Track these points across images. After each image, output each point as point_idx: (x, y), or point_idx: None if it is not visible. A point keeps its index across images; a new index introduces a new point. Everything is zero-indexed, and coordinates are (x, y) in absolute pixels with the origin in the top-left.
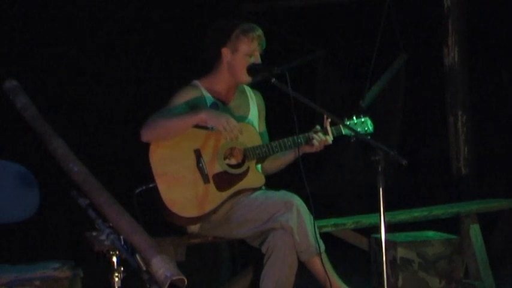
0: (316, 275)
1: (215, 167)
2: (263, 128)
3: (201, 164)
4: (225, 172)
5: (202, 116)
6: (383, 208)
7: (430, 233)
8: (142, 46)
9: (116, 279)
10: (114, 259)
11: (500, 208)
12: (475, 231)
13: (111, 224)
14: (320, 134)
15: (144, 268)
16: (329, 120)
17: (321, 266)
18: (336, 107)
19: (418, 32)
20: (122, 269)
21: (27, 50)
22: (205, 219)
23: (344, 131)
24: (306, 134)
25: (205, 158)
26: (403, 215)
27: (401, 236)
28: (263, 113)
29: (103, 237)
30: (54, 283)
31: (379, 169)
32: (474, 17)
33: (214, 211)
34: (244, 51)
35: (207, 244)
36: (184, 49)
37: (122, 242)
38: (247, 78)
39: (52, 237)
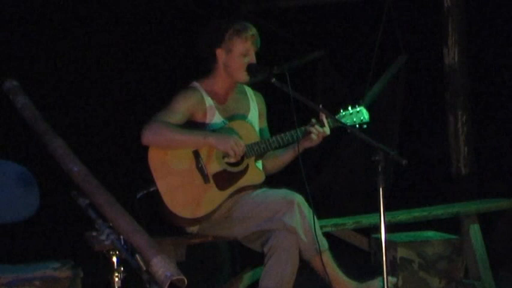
0: (319, 273)
1: (214, 167)
2: (264, 125)
3: (200, 165)
4: (225, 171)
5: (211, 141)
6: (383, 208)
7: (430, 233)
8: (143, 46)
9: (116, 279)
10: (114, 259)
11: (500, 208)
12: (475, 231)
13: (111, 224)
14: (317, 127)
15: (144, 268)
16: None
17: (326, 263)
18: (336, 107)
19: (418, 32)
20: (122, 269)
21: (27, 50)
22: (207, 218)
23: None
24: (303, 128)
25: (204, 158)
26: (403, 215)
27: (401, 236)
28: (264, 114)
29: (103, 237)
30: (54, 283)
31: (379, 169)
32: (474, 17)
33: (215, 210)
34: (239, 51)
35: (207, 244)
36: (184, 49)
37: (122, 242)
38: (245, 77)
39: (52, 237)
